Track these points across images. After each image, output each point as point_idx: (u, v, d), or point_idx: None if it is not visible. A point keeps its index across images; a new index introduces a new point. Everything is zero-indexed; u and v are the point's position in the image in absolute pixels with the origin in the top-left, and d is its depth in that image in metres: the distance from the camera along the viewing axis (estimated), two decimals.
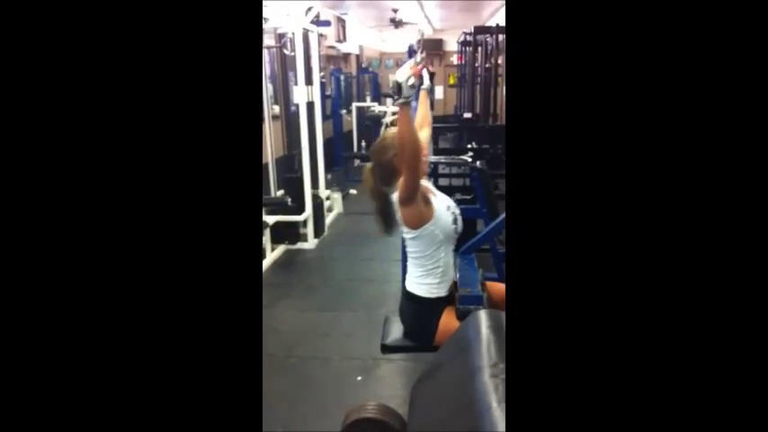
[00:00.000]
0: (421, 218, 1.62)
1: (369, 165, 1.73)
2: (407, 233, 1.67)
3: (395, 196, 1.63)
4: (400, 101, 1.38)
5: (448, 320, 1.67)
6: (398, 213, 1.65)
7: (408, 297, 1.73)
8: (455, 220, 1.69)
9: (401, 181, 1.55)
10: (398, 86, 1.35)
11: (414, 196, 1.57)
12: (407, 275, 1.75)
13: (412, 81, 1.34)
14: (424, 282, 1.69)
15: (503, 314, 1.24)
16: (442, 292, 1.71)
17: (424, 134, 1.88)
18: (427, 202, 1.63)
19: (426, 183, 1.73)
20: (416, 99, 1.83)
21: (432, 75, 1.91)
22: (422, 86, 1.78)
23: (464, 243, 2.35)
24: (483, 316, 1.26)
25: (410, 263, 1.73)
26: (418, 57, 1.42)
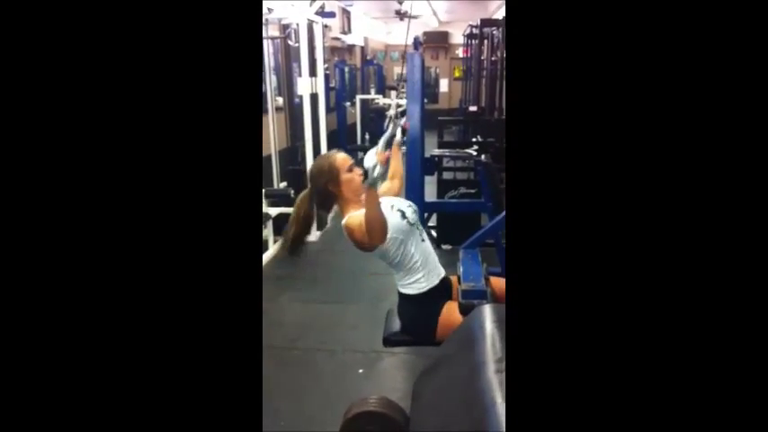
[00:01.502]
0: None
1: (305, 191, 1.77)
2: (372, 253, 1.68)
3: (351, 235, 1.64)
4: (366, 183, 1.45)
5: (449, 315, 1.67)
6: (353, 240, 1.66)
7: (403, 298, 1.76)
8: (403, 215, 1.69)
9: (362, 234, 1.57)
10: (365, 171, 1.45)
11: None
12: (396, 282, 1.76)
13: (378, 168, 1.43)
14: (410, 281, 1.71)
15: None
16: (432, 281, 1.71)
17: (395, 184, 1.96)
18: None
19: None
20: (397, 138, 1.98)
21: (404, 131, 2.04)
22: (394, 141, 1.93)
23: (468, 237, 2.35)
24: (488, 310, 1.25)
25: (393, 271, 1.74)
26: (381, 145, 1.51)
